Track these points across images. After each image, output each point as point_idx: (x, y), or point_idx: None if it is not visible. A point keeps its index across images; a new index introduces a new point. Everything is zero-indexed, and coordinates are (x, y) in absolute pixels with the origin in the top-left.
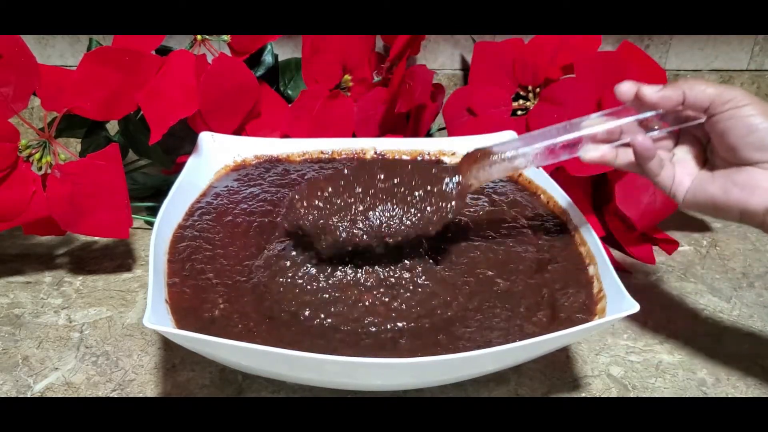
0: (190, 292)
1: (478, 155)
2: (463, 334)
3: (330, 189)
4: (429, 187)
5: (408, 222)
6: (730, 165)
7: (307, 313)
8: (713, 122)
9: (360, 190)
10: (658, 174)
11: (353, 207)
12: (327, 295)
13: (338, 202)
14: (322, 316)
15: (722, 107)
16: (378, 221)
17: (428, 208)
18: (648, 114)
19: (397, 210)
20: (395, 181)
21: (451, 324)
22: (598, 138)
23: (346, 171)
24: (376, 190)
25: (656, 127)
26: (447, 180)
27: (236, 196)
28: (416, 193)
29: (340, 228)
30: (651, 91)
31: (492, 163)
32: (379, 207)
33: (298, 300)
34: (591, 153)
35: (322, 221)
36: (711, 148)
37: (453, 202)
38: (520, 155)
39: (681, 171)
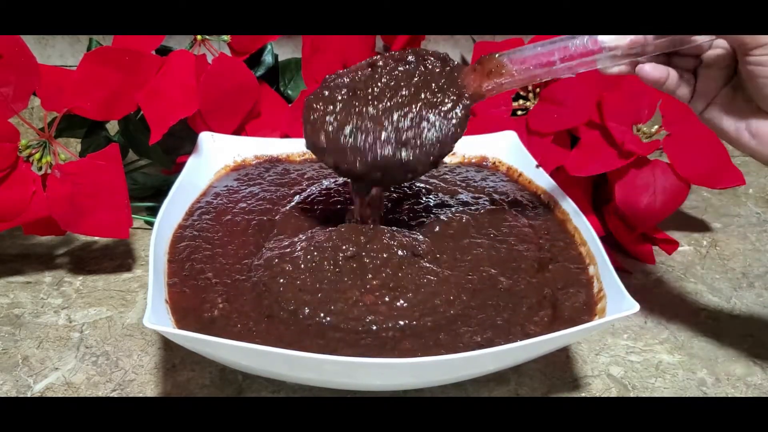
0: (190, 292)
1: (491, 69)
2: (465, 333)
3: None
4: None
5: (432, 131)
6: (753, 111)
7: (306, 311)
8: (746, 62)
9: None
10: (675, 90)
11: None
12: (327, 295)
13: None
14: (322, 314)
15: (757, 51)
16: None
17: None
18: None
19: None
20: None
21: (454, 323)
22: (618, 54)
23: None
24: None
25: (684, 42)
26: (459, 101)
27: (236, 195)
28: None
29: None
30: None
31: (504, 80)
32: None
33: (298, 299)
34: (611, 68)
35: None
36: (739, 72)
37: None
38: (532, 70)
39: (702, 87)
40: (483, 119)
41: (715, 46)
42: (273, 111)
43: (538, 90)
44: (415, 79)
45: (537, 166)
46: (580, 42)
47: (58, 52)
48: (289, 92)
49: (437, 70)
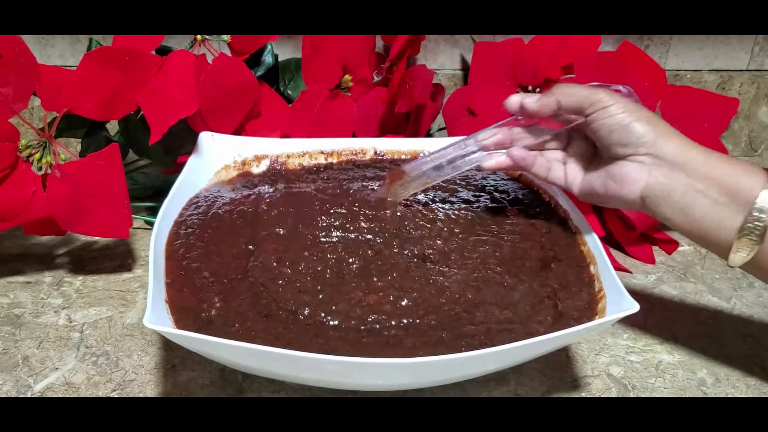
0: (188, 291)
1: (392, 175)
2: (469, 332)
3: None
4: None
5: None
6: (608, 160)
7: (306, 311)
8: (587, 123)
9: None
10: (546, 175)
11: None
12: (329, 296)
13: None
14: (323, 314)
15: (591, 108)
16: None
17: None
18: (535, 122)
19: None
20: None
21: (457, 321)
22: (490, 148)
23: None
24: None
25: (545, 133)
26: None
27: (230, 193)
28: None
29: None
30: (531, 101)
31: (404, 182)
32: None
33: (298, 299)
34: (488, 162)
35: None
36: (598, 145)
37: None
38: (425, 173)
39: (572, 169)
40: (483, 119)
41: (574, 138)
42: (273, 111)
43: (538, 90)
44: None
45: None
46: (459, 146)
47: (58, 52)
48: (289, 92)
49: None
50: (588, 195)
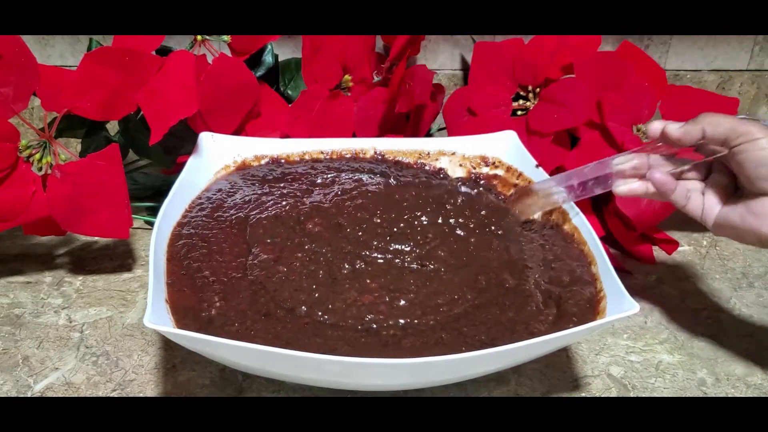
0: (189, 291)
1: (518, 194)
2: (469, 332)
3: None
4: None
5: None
6: (750, 194)
7: (303, 309)
8: (732, 154)
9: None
10: (685, 204)
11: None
12: (324, 295)
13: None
14: (319, 313)
15: (737, 140)
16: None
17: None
18: (674, 150)
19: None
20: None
21: (457, 321)
22: (626, 174)
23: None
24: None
25: (685, 163)
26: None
27: (232, 192)
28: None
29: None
30: (674, 128)
31: (532, 202)
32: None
33: (294, 298)
34: (621, 188)
35: None
36: (740, 179)
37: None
38: (555, 192)
39: (710, 201)
40: (483, 119)
41: (715, 168)
42: (273, 111)
43: (538, 90)
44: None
45: (537, 166)
46: (594, 168)
47: (58, 52)
48: (289, 92)
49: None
50: (722, 228)
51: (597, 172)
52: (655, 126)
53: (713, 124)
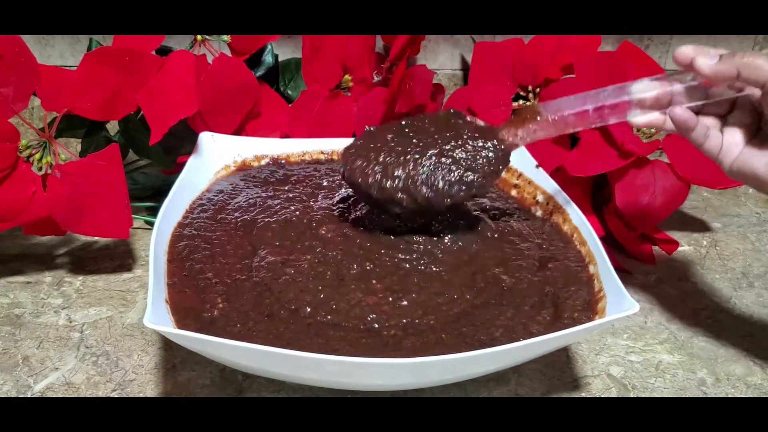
0: (191, 292)
1: (526, 115)
2: (468, 332)
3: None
4: (477, 144)
5: (470, 176)
6: None
7: (308, 310)
8: (766, 96)
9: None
10: (703, 143)
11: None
12: (329, 296)
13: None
14: (323, 313)
15: None
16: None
17: (480, 165)
18: (697, 82)
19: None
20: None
21: (457, 321)
22: (646, 104)
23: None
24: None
25: (711, 96)
26: (492, 144)
27: (235, 194)
28: (464, 150)
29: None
30: (705, 63)
31: (539, 124)
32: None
33: (300, 299)
34: (639, 118)
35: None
36: (765, 120)
37: (501, 165)
38: (566, 118)
39: (729, 140)
40: (483, 119)
41: (739, 105)
42: (273, 111)
43: (538, 90)
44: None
45: (537, 166)
46: (611, 93)
47: (58, 52)
48: (289, 92)
49: (474, 129)
50: (742, 173)
51: (614, 98)
52: (685, 52)
53: (751, 67)
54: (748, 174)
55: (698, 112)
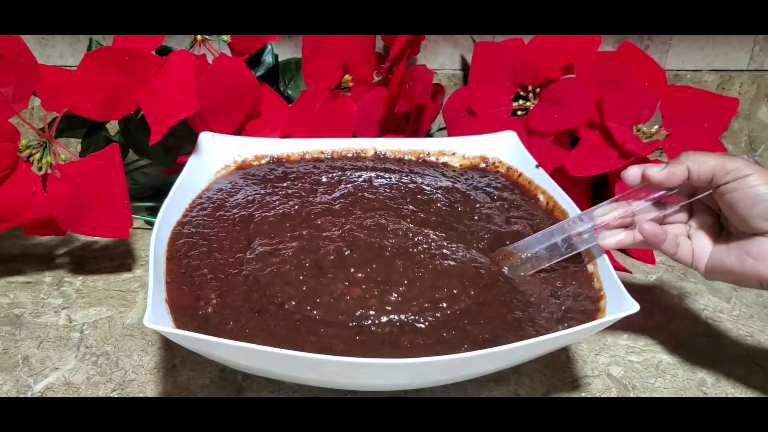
0: (187, 289)
1: (500, 257)
2: (469, 331)
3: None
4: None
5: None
6: (743, 234)
7: (293, 304)
8: (719, 193)
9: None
10: (675, 252)
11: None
12: (312, 288)
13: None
14: (308, 308)
15: (725, 178)
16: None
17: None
18: (658, 194)
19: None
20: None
21: (460, 320)
22: (612, 226)
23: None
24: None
25: (669, 206)
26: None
27: (234, 192)
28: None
29: None
30: (655, 171)
31: (514, 264)
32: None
33: (284, 292)
34: (608, 240)
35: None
36: (724, 217)
37: None
38: (539, 254)
39: (698, 244)
40: (483, 119)
41: (696, 209)
42: (273, 111)
43: (538, 90)
44: None
45: (537, 166)
46: (576, 222)
47: (58, 52)
48: (289, 92)
49: None
50: (718, 272)
51: (580, 226)
52: (633, 172)
53: (699, 162)
54: (725, 271)
55: (662, 222)
